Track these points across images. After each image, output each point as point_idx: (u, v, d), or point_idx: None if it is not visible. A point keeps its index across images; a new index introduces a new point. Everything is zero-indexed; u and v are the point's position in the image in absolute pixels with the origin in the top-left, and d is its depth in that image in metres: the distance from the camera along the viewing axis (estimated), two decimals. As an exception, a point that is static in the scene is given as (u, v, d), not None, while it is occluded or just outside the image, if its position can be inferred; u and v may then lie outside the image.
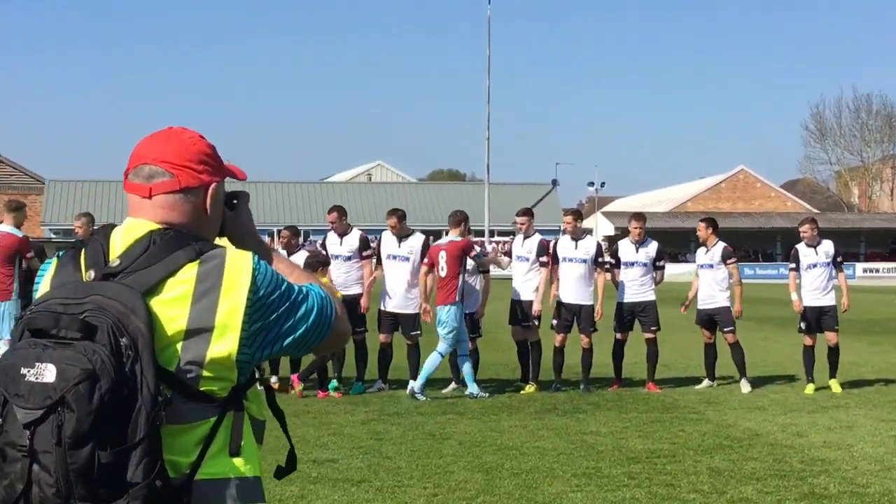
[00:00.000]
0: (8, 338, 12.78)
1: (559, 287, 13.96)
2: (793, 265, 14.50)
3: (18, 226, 13.10)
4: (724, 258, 14.18)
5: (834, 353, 14.13)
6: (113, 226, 2.63)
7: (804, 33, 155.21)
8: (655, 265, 14.24)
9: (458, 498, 7.88)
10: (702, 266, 14.40)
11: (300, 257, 13.53)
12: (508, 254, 14.86)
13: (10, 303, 12.87)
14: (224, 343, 2.43)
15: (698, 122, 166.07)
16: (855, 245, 76.24)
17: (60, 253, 2.59)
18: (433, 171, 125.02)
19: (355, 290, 13.47)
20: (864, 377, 15.46)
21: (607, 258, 14.34)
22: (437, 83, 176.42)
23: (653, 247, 14.28)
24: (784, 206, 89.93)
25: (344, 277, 13.52)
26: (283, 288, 2.54)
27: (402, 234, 13.60)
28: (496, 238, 72.21)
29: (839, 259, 14.45)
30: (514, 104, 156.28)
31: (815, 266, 14.30)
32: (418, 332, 13.58)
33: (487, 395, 13.11)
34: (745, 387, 13.83)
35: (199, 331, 2.42)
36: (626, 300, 14.17)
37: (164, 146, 2.59)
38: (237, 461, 2.49)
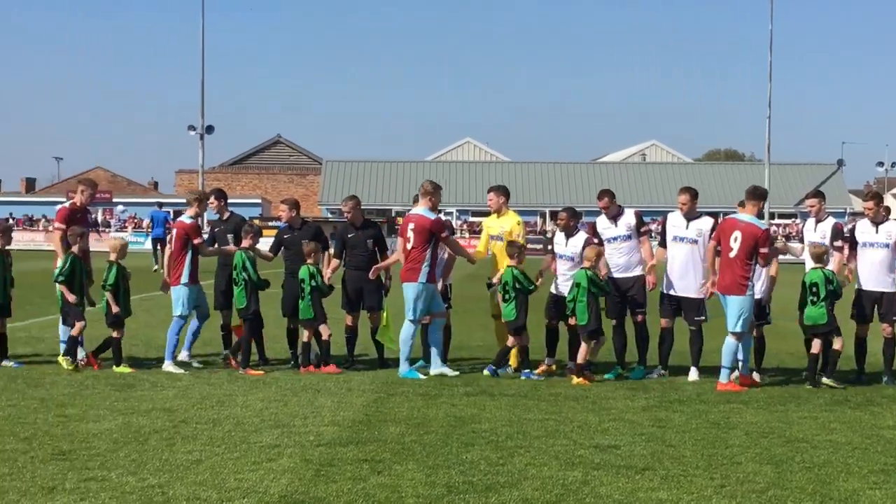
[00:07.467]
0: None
1: (858, 273, 13.55)
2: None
3: (434, 209, 13.56)
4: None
5: None
6: None
7: None
8: None
9: (747, 490, 7.90)
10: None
11: (579, 238, 13.71)
12: (800, 238, 14.49)
13: (416, 285, 13.20)
14: None
15: None
16: None
17: None
18: (709, 150, 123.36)
19: (637, 271, 13.67)
20: None
21: None
22: (714, 62, 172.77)
23: None
24: None
25: (623, 259, 13.70)
26: None
27: (691, 216, 13.57)
28: (776, 221, 70.25)
29: None
30: (797, 80, 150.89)
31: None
32: (703, 317, 13.54)
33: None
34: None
35: None
36: None
37: None
38: None
